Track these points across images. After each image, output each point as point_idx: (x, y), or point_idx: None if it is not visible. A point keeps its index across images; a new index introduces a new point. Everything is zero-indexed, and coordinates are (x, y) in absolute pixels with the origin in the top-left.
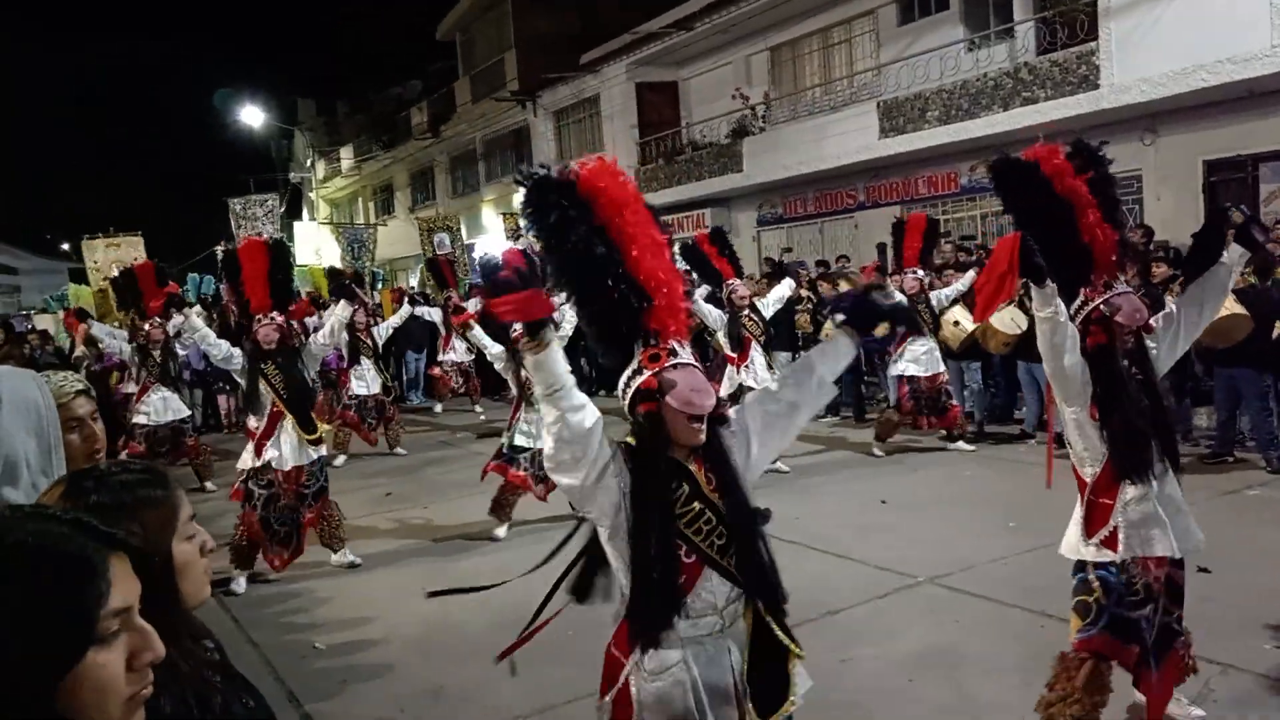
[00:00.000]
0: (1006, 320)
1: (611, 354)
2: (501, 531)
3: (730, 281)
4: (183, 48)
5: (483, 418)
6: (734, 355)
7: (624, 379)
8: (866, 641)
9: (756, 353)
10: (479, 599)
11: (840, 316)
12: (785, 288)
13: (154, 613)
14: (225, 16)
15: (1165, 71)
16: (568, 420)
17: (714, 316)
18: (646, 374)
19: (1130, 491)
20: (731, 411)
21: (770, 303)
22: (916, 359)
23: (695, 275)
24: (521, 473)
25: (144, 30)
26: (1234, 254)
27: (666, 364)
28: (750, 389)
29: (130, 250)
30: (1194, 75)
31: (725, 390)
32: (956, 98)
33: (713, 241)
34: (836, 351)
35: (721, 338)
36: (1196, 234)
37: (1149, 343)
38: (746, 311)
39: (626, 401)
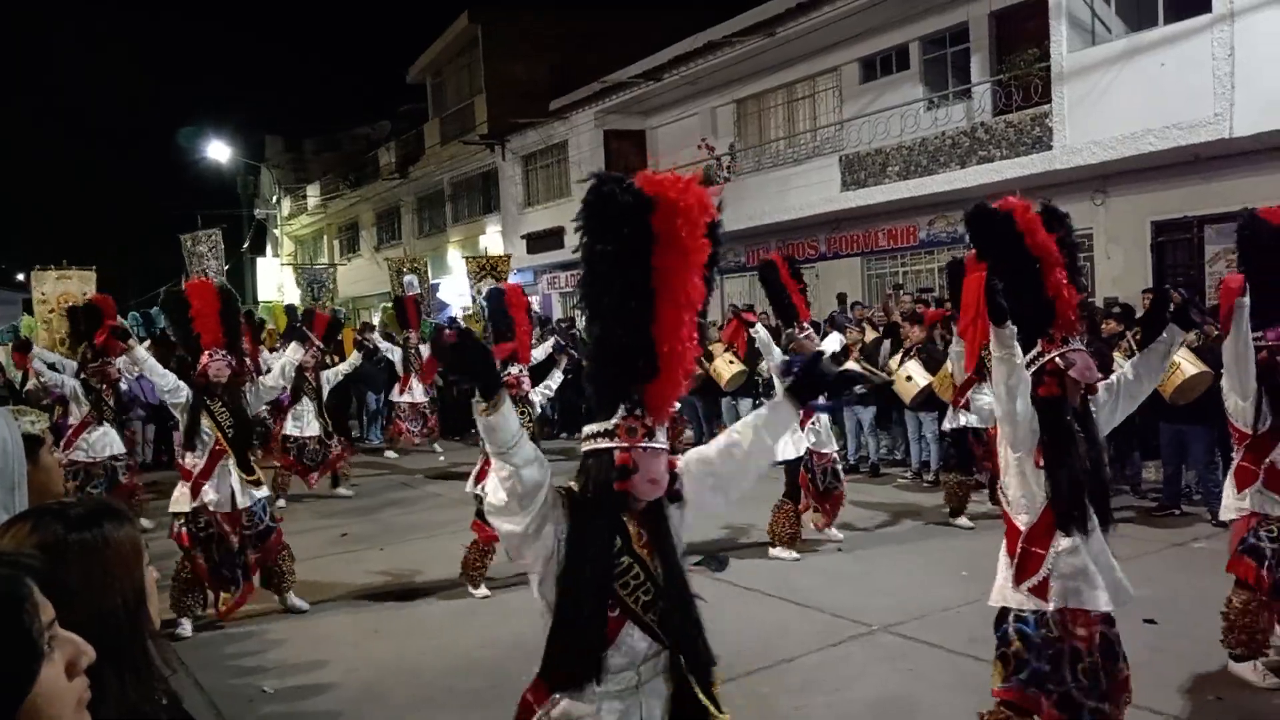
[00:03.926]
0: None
1: (601, 398)
2: (481, 590)
3: (805, 325)
4: (150, 83)
5: (442, 459)
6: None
7: (595, 429)
8: (820, 689)
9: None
10: (435, 645)
11: (787, 381)
12: (834, 341)
13: (116, 644)
14: (196, 52)
15: (1115, 135)
16: (521, 475)
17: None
18: (623, 446)
19: (1063, 543)
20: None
21: None
22: (980, 410)
23: (770, 305)
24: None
25: (110, 62)
26: (1172, 332)
27: (640, 443)
28: (814, 452)
29: (81, 284)
30: (1143, 139)
31: (793, 453)
32: (916, 154)
33: (791, 272)
34: (777, 418)
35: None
36: (1144, 315)
37: (1091, 405)
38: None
39: (586, 449)
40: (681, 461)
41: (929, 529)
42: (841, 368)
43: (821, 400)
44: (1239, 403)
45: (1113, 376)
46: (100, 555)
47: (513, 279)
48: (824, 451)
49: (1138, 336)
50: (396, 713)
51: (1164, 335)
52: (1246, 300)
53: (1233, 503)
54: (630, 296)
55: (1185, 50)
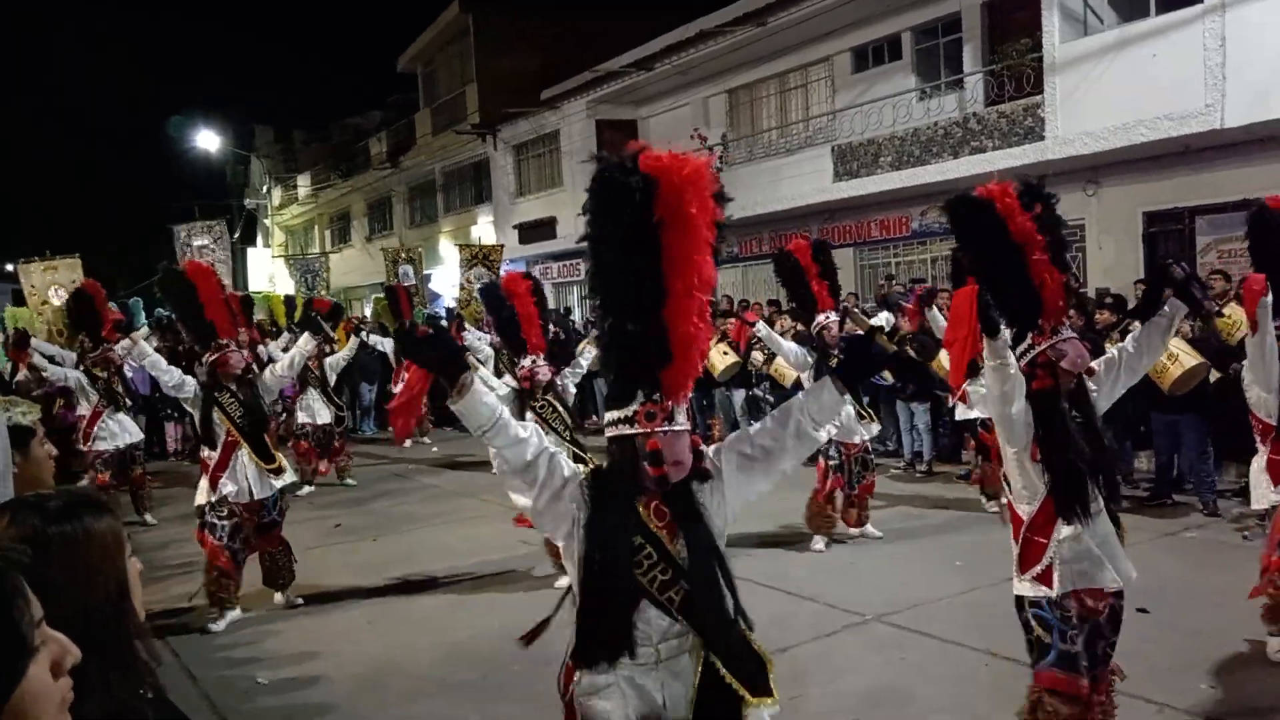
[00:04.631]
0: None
1: (618, 385)
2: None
3: (826, 314)
4: (138, 73)
5: (435, 450)
6: None
7: (615, 416)
8: (815, 679)
9: (846, 400)
10: (428, 636)
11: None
12: (882, 321)
13: (101, 639)
14: (185, 42)
15: (1107, 126)
16: (505, 456)
17: (795, 354)
18: (644, 431)
19: (1065, 530)
20: (709, 450)
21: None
22: (980, 401)
23: (786, 295)
24: None
25: (98, 53)
26: (1174, 306)
27: (661, 426)
28: (835, 442)
29: (68, 273)
30: (1134, 130)
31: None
32: (908, 144)
33: (815, 257)
34: (820, 401)
35: (805, 379)
36: (1145, 289)
37: (1089, 385)
38: (836, 351)
39: (610, 436)
40: (718, 444)
41: (922, 520)
42: (892, 351)
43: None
44: (1262, 394)
45: (1112, 351)
46: (82, 548)
47: (505, 269)
48: (852, 441)
49: (1131, 326)
50: (390, 703)
51: (1165, 309)
52: (1269, 299)
53: (1269, 494)
54: (639, 282)
55: (1177, 41)
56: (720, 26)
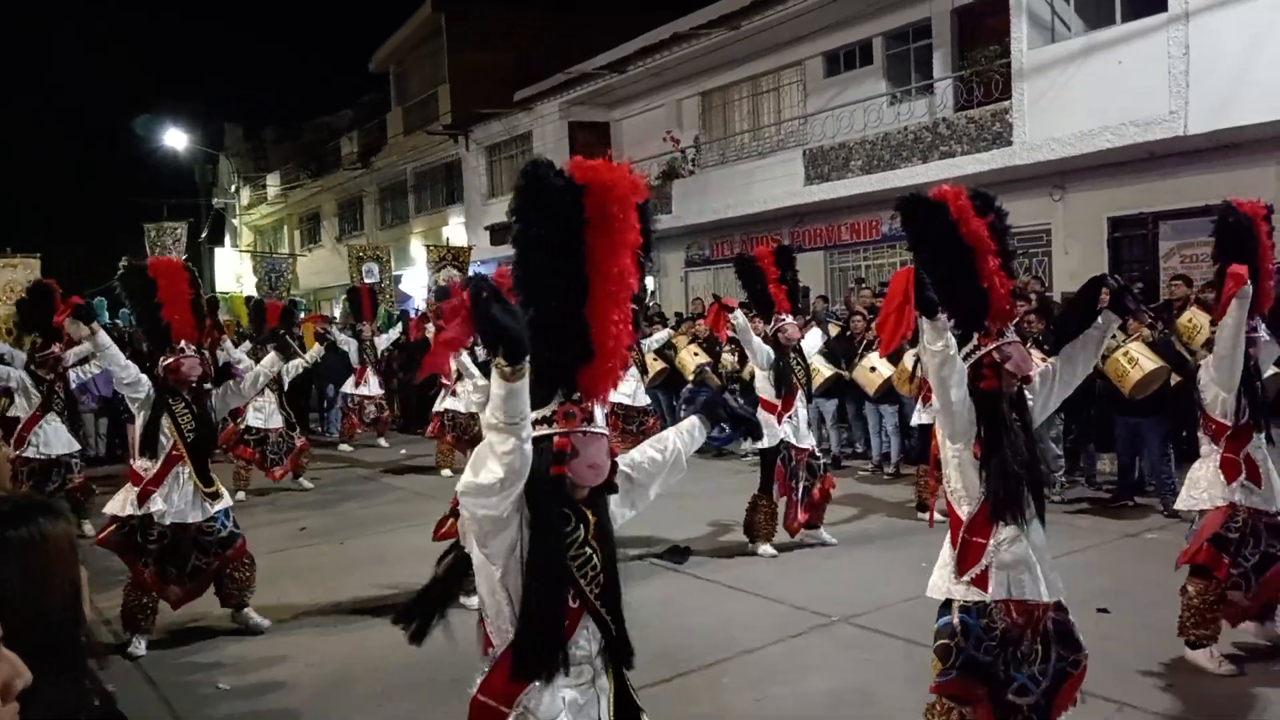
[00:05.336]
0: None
1: (537, 384)
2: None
3: (781, 316)
4: (104, 67)
5: (403, 452)
6: (776, 403)
7: (535, 416)
8: (781, 680)
9: (800, 403)
10: (394, 639)
11: (694, 407)
12: (815, 338)
13: (55, 643)
14: (152, 36)
15: (1073, 132)
16: (524, 450)
17: (762, 353)
18: (559, 432)
19: (1004, 532)
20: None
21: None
22: None
23: (746, 296)
24: None
25: (62, 43)
26: (1107, 318)
27: (579, 427)
28: (791, 445)
29: (26, 273)
30: (1100, 136)
31: (765, 444)
32: (879, 149)
33: (776, 261)
34: (692, 435)
35: (763, 380)
36: (1072, 299)
37: (1027, 394)
38: (793, 355)
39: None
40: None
41: (889, 521)
42: (734, 408)
43: (719, 432)
44: (1220, 394)
45: (1046, 365)
46: (40, 552)
47: (474, 271)
48: (801, 446)
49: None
50: (357, 706)
51: (1099, 321)
52: (1250, 290)
53: (1218, 493)
54: (563, 279)
55: (1142, 49)
56: (694, 29)
